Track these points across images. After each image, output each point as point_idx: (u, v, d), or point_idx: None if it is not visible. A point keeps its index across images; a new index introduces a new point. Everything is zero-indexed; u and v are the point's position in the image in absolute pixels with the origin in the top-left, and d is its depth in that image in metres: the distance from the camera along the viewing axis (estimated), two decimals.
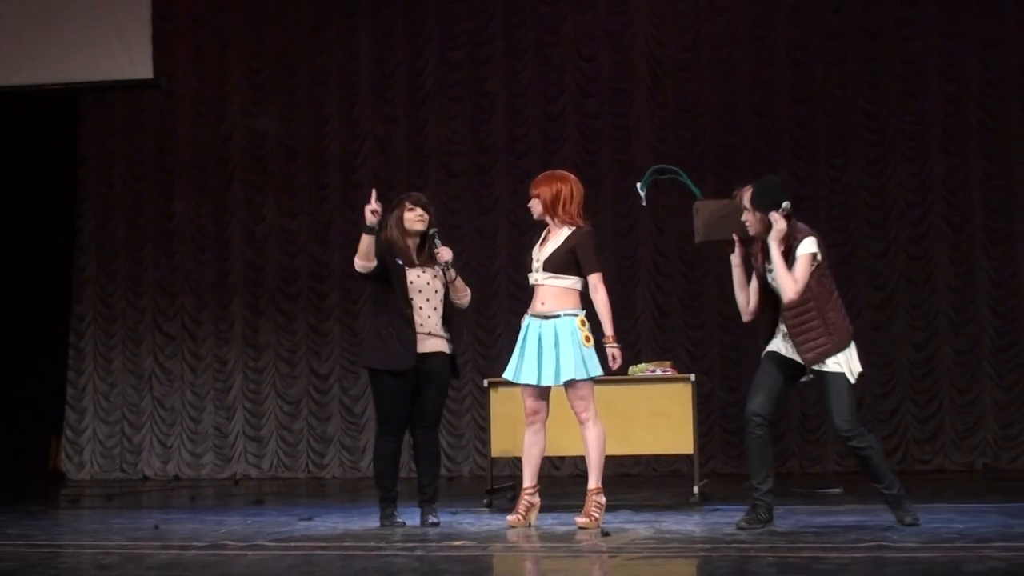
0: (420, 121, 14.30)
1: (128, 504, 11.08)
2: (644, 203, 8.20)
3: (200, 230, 14.62)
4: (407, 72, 14.32)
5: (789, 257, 7.34)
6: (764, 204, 7.40)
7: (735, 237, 7.59)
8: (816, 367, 7.34)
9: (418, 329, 7.96)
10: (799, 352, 7.35)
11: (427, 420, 8.12)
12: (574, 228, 7.91)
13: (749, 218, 7.46)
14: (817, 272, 7.33)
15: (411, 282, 7.98)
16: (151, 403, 14.54)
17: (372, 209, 7.71)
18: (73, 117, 14.89)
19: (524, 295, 13.53)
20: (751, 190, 7.47)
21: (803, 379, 7.51)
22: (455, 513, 8.95)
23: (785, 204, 7.36)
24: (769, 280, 7.48)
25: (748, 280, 7.60)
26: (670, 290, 13.68)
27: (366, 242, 7.79)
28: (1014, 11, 13.25)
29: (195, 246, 14.61)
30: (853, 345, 7.41)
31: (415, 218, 8.07)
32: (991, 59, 13.30)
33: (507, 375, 8.02)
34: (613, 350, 7.81)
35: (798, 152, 13.45)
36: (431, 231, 8.08)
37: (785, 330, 7.45)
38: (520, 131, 14.12)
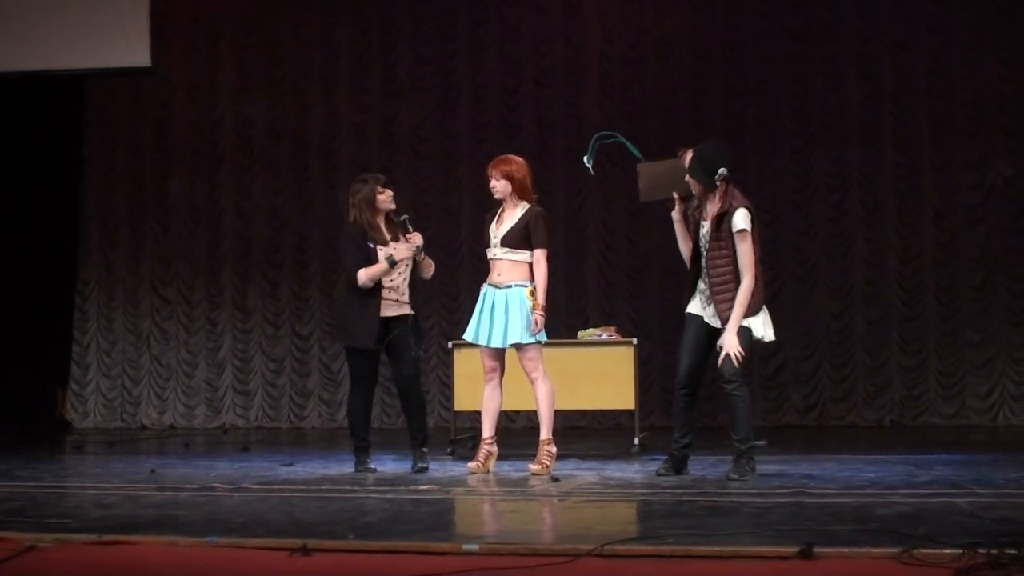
0: (393, 109, 14.22)
1: (127, 450, 11.02)
2: (592, 172, 8.07)
3: (194, 205, 14.51)
4: (381, 65, 14.23)
5: (723, 221, 7.24)
6: (699, 173, 7.25)
7: (675, 195, 7.50)
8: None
9: (387, 296, 7.97)
10: (716, 310, 7.29)
11: (404, 376, 8.08)
12: (528, 207, 7.91)
13: (690, 178, 7.38)
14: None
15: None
16: (149, 360, 14.45)
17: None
18: (79, 101, 14.74)
19: (485, 266, 13.42)
20: (692, 154, 7.37)
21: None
22: None
23: (721, 171, 7.18)
24: (700, 237, 7.41)
25: (689, 231, 7.53)
26: (616, 263, 13.67)
27: (381, 271, 7.93)
28: (924, 16, 13.28)
29: (189, 219, 14.51)
30: (765, 311, 7.37)
31: (386, 199, 8.05)
32: (903, 60, 13.32)
33: (466, 336, 8.06)
34: (537, 316, 7.78)
35: (730, 142, 13.35)
36: (402, 217, 8.05)
37: (703, 288, 7.41)
38: (482, 119, 14.06)
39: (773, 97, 13.49)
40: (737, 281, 7.19)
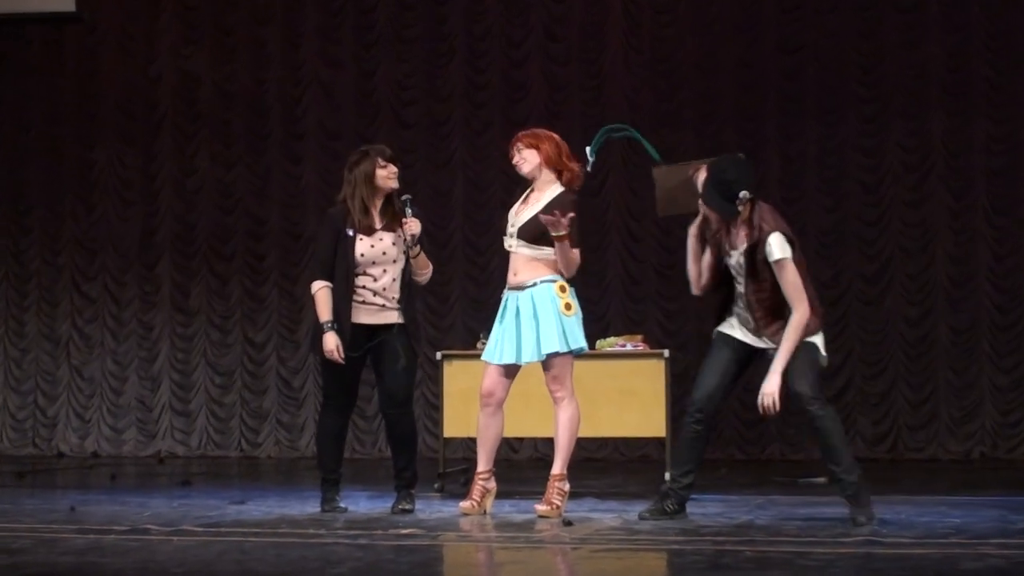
0: (370, 65, 14.23)
1: (41, 483, 11.03)
2: (589, 168, 8.07)
3: (125, 181, 14.52)
4: (356, 10, 14.24)
5: (756, 254, 7.34)
6: (717, 202, 7.36)
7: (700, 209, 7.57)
8: None
9: (369, 300, 7.90)
10: (769, 339, 7.36)
11: (394, 402, 8.00)
12: (559, 192, 7.83)
13: (706, 208, 7.46)
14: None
15: (362, 254, 7.87)
16: (68, 372, 14.46)
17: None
18: None
19: (482, 259, 13.54)
20: (706, 175, 7.44)
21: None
22: None
23: (743, 194, 7.31)
24: (730, 266, 7.48)
25: (703, 252, 7.59)
26: (643, 257, 13.67)
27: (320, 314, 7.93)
28: None
29: (119, 199, 14.52)
30: (820, 333, 7.45)
31: (388, 175, 7.96)
32: (997, 8, 13.31)
33: (485, 357, 7.95)
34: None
35: (785, 107, 13.44)
36: (404, 197, 7.97)
37: (739, 312, 7.47)
38: (480, 79, 14.07)
39: (838, 54, 13.48)
40: (789, 307, 7.27)
